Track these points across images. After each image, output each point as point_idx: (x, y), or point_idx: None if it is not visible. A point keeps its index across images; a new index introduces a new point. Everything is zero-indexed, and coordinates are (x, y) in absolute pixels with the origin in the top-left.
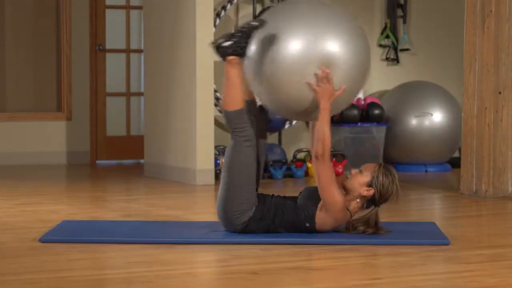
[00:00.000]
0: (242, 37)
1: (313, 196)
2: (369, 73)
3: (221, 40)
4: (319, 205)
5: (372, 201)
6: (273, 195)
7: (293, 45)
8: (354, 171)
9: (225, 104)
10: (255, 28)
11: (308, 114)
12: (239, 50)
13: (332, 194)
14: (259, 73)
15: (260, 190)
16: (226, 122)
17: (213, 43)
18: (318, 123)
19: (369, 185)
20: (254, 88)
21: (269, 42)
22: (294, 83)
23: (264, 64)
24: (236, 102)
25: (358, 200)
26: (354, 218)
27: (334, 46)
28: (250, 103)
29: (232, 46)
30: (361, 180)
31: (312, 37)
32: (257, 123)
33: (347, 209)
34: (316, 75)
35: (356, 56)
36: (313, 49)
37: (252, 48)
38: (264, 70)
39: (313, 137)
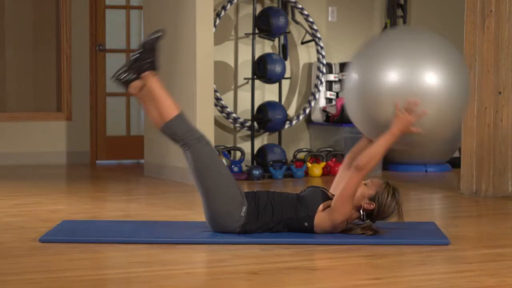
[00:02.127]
0: (144, 54)
1: (316, 196)
2: (461, 121)
3: (120, 71)
4: (323, 204)
5: (369, 215)
6: (268, 191)
7: (390, 74)
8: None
9: (163, 117)
10: (156, 41)
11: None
12: (148, 66)
13: (346, 205)
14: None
15: (257, 189)
16: (171, 136)
17: (112, 77)
18: (379, 141)
19: (372, 199)
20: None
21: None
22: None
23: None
24: (172, 109)
25: (356, 211)
26: (349, 225)
27: (432, 80)
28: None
29: (136, 67)
30: (365, 192)
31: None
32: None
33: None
34: (407, 100)
35: (450, 100)
36: (412, 81)
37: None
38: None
39: (365, 148)
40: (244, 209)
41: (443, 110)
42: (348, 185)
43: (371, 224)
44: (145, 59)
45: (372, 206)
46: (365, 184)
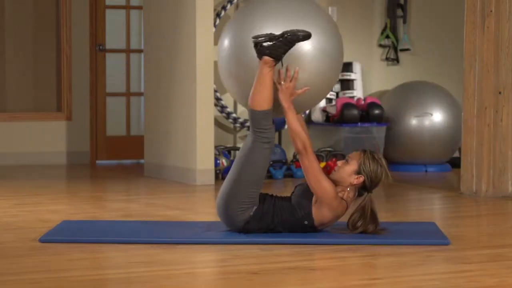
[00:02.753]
0: (283, 43)
1: (306, 193)
2: (338, 75)
3: (262, 39)
4: (313, 200)
5: (364, 188)
6: (273, 195)
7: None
8: (340, 162)
9: (253, 103)
10: (299, 39)
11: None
12: (276, 55)
13: (321, 184)
14: (232, 70)
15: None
16: (250, 121)
17: (254, 38)
18: (287, 122)
19: (358, 172)
20: (227, 84)
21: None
22: None
23: (233, 64)
24: (264, 102)
25: (349, 189)
26: (351, 212)
27: (301, 44)
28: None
29: (270, 48)
30: (348, 170)
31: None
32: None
33: (342, 198)
34: (279, 72)
35: (324, 57)
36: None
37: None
38: (234, 69)
39: (290, 136)
40: (254, 208)
41: (317, 66)
42: (308, 169)
43: (368, 205)
44: (278, 48)
45: (362, 179)
46: (346, 161)
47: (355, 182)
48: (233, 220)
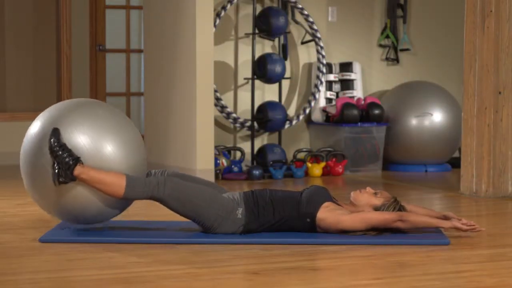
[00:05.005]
0: (60, 152)
1: (323, 194)
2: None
3: (60, 178)
4: (327, 203)
5: None
6: (266, 189)
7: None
8: (369, 189)
9: (117, 194)
10: (57, 135)
11: None
12: (71, 162)
13: (357, 226)
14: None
15: (256, 189)
16: (138, 199)
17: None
18: (427, 218)
19: (376, 209)
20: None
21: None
22: None
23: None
24: (119, 183)
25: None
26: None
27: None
28: None
29: (65, 170)
30: (371, 201)
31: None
32: None
33: (340, 205)
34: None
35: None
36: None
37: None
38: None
39: (416, 210)
40: (240, 210)
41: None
42: (377, 218)
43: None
44: (63, 159)
45: None
46: (375, 193)
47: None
48: (228, 229)
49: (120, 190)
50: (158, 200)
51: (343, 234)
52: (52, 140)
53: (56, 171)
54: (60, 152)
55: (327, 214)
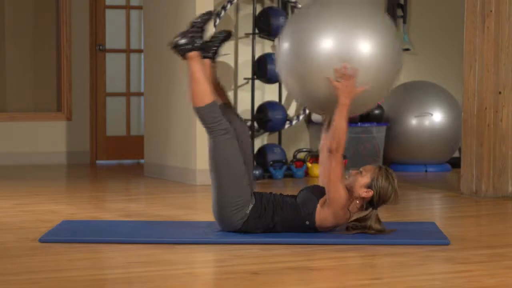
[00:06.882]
0: (196, 31)
1: (314, 194)
2: (398, 75)
3: (177, 39)
4: (321, 200)
5: (370, 203)
6: (271, 193)
7: (322, 44)
8: (353, 171)
9: (196, 101)
10: (207, 20)
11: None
12: (197, 45)
13: (338, 189)
14: (291, 71)
15: (259, 190)
16: (200, 120)
17: (170, 44)
18: (336, 118)
19: (368, 186)
20: (286, 84)
21: (298, 41)
22: (323, 80)
23: (295, 63)
24: (205, 96)
25: (357, 201)
26: (353, 218)
27: (360, 44)
28: (224, 106)
29: (190, 42)
30: (360, 181)
31: (340, 35)
32: (234, 124)
33: (347, 209)
34: (335, 70)
35: (383, 57)
36: (339, 48)
37: (284, 46)
38: (295, 67)
39: (330, 132)
40: (250, 206)
41: (377, 65)
42: (333, 170)
43: (372, 219)
44: (194, 38)
45: (370, 193)
46: (359, 172)
47: (363, 195)
48: (230, 222)
49: (200, 101)
50: (212, 137)
51: (344, 233)
52: (200, 19)
53: (185, 39)
54: (197, 33)
55: (323, 213)
